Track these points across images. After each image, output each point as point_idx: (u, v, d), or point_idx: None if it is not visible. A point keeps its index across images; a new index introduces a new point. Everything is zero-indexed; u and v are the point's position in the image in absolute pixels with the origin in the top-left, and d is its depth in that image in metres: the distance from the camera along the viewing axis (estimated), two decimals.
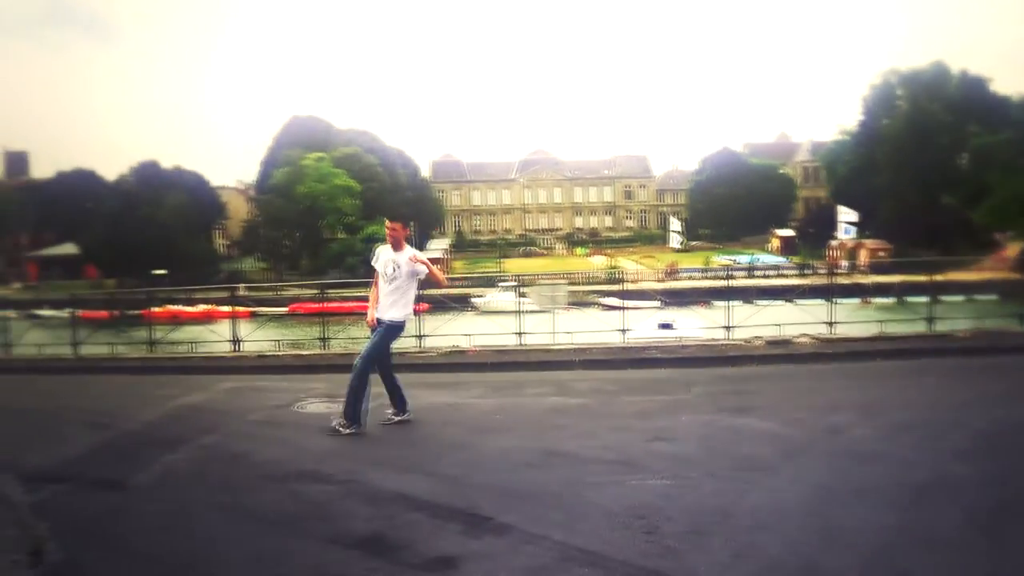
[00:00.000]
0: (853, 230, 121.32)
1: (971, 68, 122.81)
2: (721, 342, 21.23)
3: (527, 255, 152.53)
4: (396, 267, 12.70)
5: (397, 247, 12.88)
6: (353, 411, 12.48)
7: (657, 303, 51.30)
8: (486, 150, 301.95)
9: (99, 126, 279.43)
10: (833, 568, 6.94)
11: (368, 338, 12.89)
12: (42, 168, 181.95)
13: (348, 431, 12.41)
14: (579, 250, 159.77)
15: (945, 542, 7.43)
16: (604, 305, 54.77)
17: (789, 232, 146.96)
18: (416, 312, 21.76)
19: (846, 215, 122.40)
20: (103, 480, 10.53)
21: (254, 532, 8.40)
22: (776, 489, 9.06)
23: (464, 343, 22.27)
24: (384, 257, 12.92)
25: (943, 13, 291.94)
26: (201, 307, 74.28)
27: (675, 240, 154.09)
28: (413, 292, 13.06)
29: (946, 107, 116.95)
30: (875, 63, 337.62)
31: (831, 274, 49.94)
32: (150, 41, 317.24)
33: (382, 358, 12.99)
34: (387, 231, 13.03)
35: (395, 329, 12.93)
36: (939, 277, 30.16)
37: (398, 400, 13.18)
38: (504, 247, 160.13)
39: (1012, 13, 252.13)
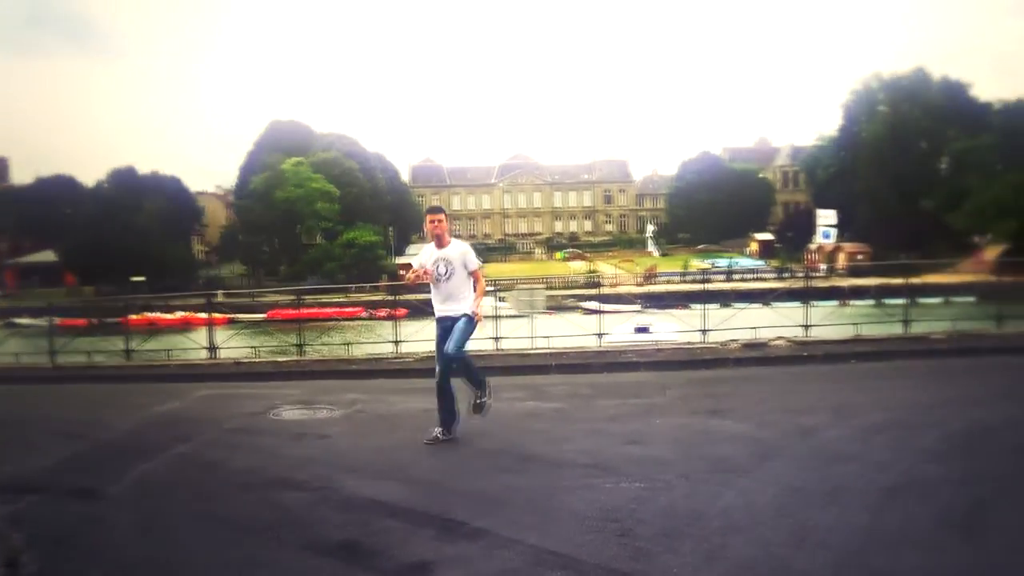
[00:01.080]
0: (832, 233, 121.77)
1: (952, 74, 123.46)
2: (697, 345, 21.31)
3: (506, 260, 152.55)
4: (448, 264, 12.06)
5: (441, 243, 12.15)
6: (482, 384, 12.53)
7: (637, 307, 51.39)
8: (466, 155, 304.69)
9: (78, 131, 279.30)
10: (805, 569, 6.96)
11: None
12: (22, 174, 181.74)
13: (485, 400, 12.48)
14: (558, 254, 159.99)
15: (918, 543, 7.47)
16: (585, 309, 54.84)
17: (768, 236, 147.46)
18: (395, 317, 21.73)
19: (825, 218, 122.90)
20: (78, 489, 10.49)
21: (229, 540, 8.39)
22: (749, 491, 9.09)
23: None
24: (428, 256, 12.22)
25: (925, 20, 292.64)
26: (179, 314, 74.19)
27: (652, 245, 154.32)
28: (469, 284, 12.32)
29: (926, 112, 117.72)
30: (856, 69, 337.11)
31: (808, 277, 49.99)
32: (129, 46, 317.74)
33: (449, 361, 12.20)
34: (430, 224, 12.16)
35: (473, 320, 12.20)
36: (916, 280, 30.22)
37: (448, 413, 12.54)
38: (483, 252, 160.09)
39: (993, 20, 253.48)
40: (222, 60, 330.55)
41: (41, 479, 11.15)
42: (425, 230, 12.39)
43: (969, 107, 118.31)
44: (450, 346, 11.84)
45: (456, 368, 12.14)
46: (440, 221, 12.07)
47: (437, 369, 12.20)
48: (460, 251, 12.19)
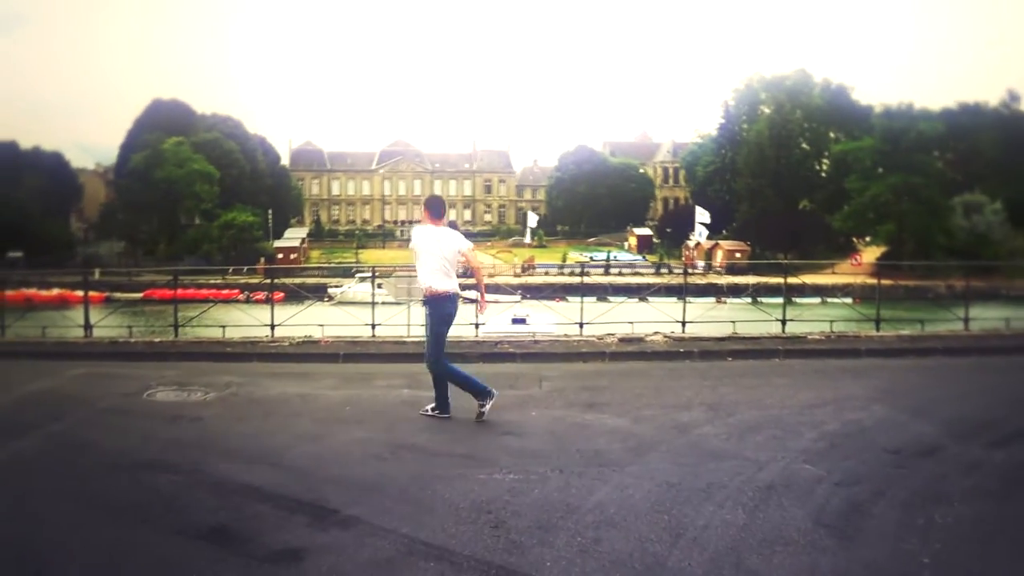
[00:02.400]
0: (705, 232, 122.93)
1: (834, 77, 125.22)
2: (574, 338, 21.28)
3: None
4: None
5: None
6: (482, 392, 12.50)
7: (517, 297, 51.45)
8: (347, 140, 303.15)
9: None
10: (679, 566, 6.98)
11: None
12: None
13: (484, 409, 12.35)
14: None
15: (792, 542, 7.52)
16: (465, 298, 54.77)
17: (646, 231, 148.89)
18: (272, 300, 21.55)
19: (701, 216, 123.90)
20: None
21: (100, 521, 8.28)
22: (624, 486, 9.12)
23: (317, 333, 22.09)
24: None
25: (808, 21, 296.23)
26: (55, 291, 73.11)
27: (529, 236, 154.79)
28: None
29: (808, 113, 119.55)
30: (739, 69, 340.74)
31: (686, 273, 50.41)
32: (14, 19, 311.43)
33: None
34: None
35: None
36: (794, 279, 30.45)
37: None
38: (362, 238, 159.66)
39: (875, 22, 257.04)
40: (107, 36, 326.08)
41: None
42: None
43: (851, 110, 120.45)
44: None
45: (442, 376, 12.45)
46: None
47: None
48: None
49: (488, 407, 12.30)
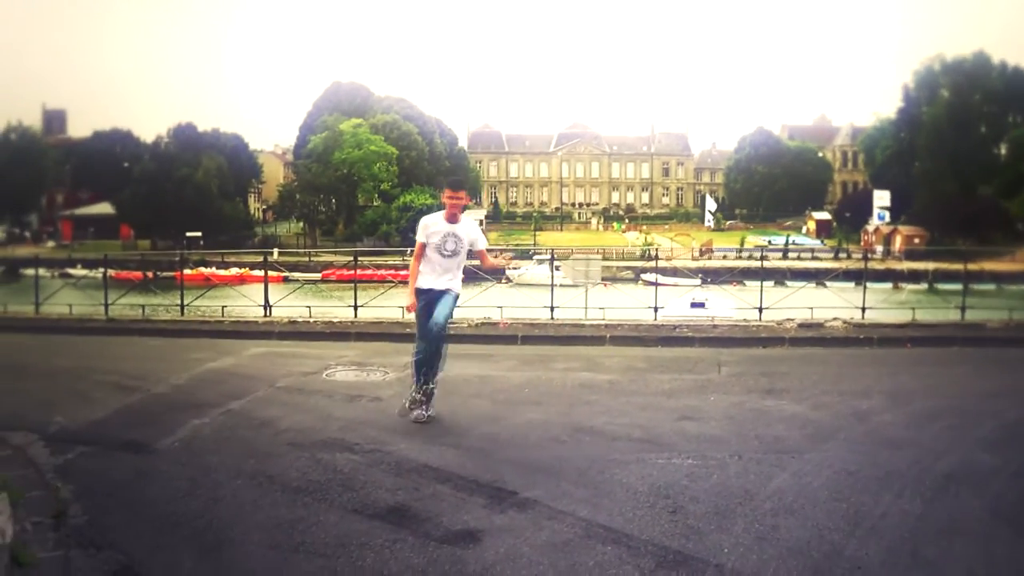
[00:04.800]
0: (887, 215, 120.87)
1: (1011, 60, 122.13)
2: (753, 323, 21.14)
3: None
4: (457, 241, 11.69)
5: (454, 220, 11.79)
6: (429, 390, 11.72)
7: (697, 281, 51.14)
8: (525, 122, 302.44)
9: (136, 86, 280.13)
10: (856, 555, 6.89)
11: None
12: (79, 127, 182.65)
13: (420, 412, 11.55)
14: (615, 225, 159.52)
15: (968, 532, 7.42)
16: (645, 281, 54.57)
17: (825, 215, 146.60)
18: None
19: (881, 200, 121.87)
20: (129, 443, 10.55)
21: (278, 499, 8.39)
22: (802, 473, 9.04)
23: (496, 315, 22.18)
24: (438, 229, 11.77)
25: (987, 3, 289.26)
26: (234, 271, 74.44)
27: (710, 219, 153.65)
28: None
29: (987, 97, 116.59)
30: (918, 50, 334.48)
31: (865, 258, 49.54)
32: (193, 2, 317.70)
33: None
34: (448, 201, 11.88)
35: (456, 298, 12.00)
36: (972, 266, 29.86)
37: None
38: (540, 220, 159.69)
39: None
40: (285, 19, 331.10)
41: (92, 431, 11.23)
42: (443, 201, 12.08)
43: None
44: (439, 316, 11.54)
45: (431, 344, 11.68)
46: (461, 199, 11.97)
47: (419, 347, 11.78)
48: (472, 230, 12.02)
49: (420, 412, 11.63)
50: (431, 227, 11.80)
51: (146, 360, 17.61)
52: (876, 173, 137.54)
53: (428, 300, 11.69)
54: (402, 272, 71.18)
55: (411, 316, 12.24)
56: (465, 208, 11.98)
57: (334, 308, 28.03)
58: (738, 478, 8.87)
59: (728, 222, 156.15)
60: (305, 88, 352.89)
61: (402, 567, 6.70)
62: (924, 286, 59.42)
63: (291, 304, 26.85)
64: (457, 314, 21.80)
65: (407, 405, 11.65)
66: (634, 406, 12.45)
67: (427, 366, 11.60)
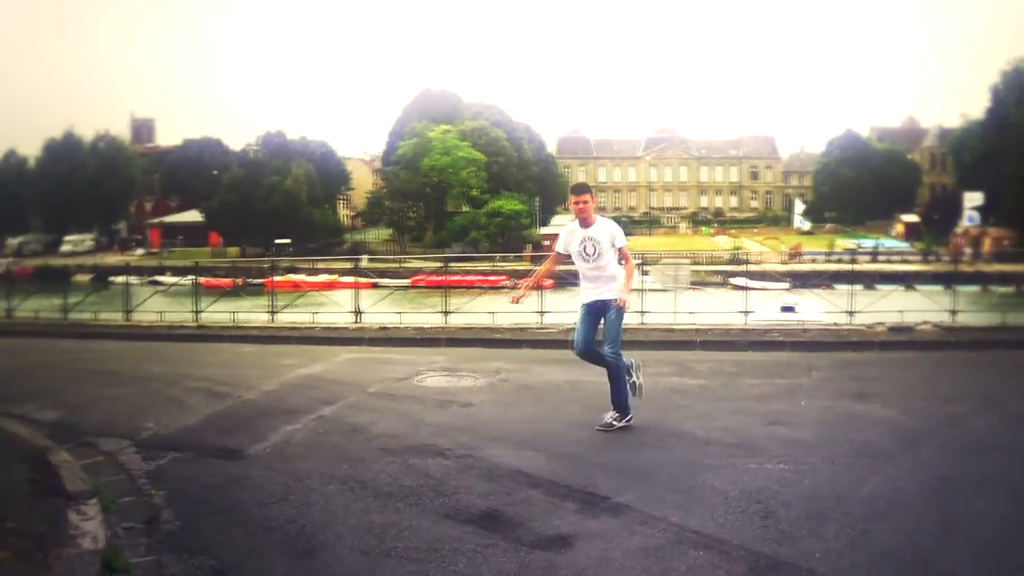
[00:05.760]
0: (977, 216, 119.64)
1: None
2: (843, 327, 21.02)
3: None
4: (596, 244, 11.42)
5: (586, 223, 11.53)
6: (625, 401, 11.54)
7: (785, 285, 50.96)
8: (612, 127, 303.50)
9: (226, 95, 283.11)
10: (950, 560, 6.84)
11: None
12: (168, 136, 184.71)
13: (625, 422, 11.44)
14: (704, 229, 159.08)
15: None
16: (734, 285, 54.45)
17: (914, 218, 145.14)
18: (541, 288, 21.71)
19: (973, 201, 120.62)
20: (221, 449, 10.67)
21: (370, 505, 8.42)
22: (894, 478, 8.96)
23: None
24: (574, 236, 11.62)
25: None
26: (323, 277, 74.77)
27: (800, 222, 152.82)
28: (616, 263, 11.64)
29: None
30: (1009, 50, 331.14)
31: (955, 261, 49.09)
32: (280, 11, 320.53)
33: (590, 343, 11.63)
34: (575, 205, 11.55)
35: (621, 312, 11.49)
36: None
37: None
38: (628, 224, 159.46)
39: None
40: (375, 26, 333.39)
41: (184, 437, 11.38)
42: (570, 208, 11.88)
43: None
44: (606, 350, 11.34)
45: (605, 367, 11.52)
46: (587, 203, 11.52)
47: (578, 349, 11.62)
48: (608, 230, 11.62)
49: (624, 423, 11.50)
50: (565, 236, 11.79)
51: (237, 366, 17.81)
52: (964, 175, 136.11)
53: (588, 311, 11.65)
54: (491, 278, 71.65)
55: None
56: (573, 211, 11.83)
57: (424, 314, 28.17)
58: (829, 483, 8.82)
59: (827, 225, 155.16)
60: (394, 95, 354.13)
61: (494, 572, 6.71)
62: (1013, 289, 58.87)
63: (381, 310, 27.06)
64: (549, 319, 21.91)
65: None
66: (725, 410, 12.40)
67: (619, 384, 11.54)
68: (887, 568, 6.69)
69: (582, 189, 11.86)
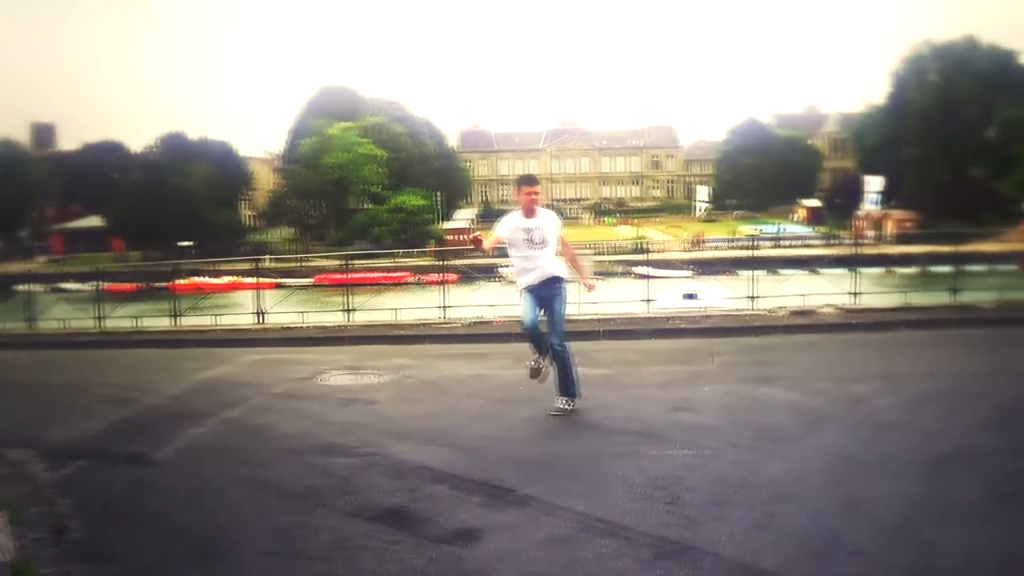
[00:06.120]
0: (879, 200, 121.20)
1: (1000, 42, 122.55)
2: (745, 312, 21.24)
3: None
4: (543, 233, 11.71)
5: (531, 213, 11.81)
6: (572, 385, 11.86)
7: (688, 272, 51.19)
8: (514, 120, 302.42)
9: (125, 98, 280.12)
10: (855, 539, 6.93)
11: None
12: (68, 140, 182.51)
13: (573, 406, 11.77)
14: (607, 220, 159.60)
15: (968, 514, 7.45)
16: (637, 274, 54.65)
17: (815, 203, 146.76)
18: (443, 283, 21.72)
19: (872, 185, 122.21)
20: (127, 455, 10.58)
21: (277, 506, 8.44)
22: (798, 459, 9.12)
23: (488, 314, 22.22)
24: (517, 226, 11.86)
25: None
26: (226, 279, 74.23)
27: (701, 210, 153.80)
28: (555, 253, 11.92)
29: (976, 80, 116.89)
30: (907, 36, 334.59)
31: (856, 244, 49.63)
32: (177, 10, 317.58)
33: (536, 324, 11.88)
34: (527, 196, 11.88)
35: (563, 299, 11.90)
36: (964, 248, 29.95)
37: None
38: None
39: None
40: (271, 25, 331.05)
41: (89, 444, 11.26)
42: (518, 200, 12.18)
43: (1018, 75, 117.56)
44: (554, 341, 11.68)
45: (554, 358, 11.82)
46: (537, 193, 11.89)
47: (527, 325, 11.81)
48: (553, 220, 12.03)
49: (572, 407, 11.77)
50: (507, 224, 11.99)
51: (141, 371, 17.61)
52: (865, 159, 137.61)
53: (537, 297, 11.80)
54: (394, 274, 71.49)
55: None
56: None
57: (327, 313, 28.07)
58: (734, 467, 8.94)
59: (731, 213, 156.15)
60: (293, 93, 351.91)
61: (401, 568, 6.75)
62: (916, 269, 59.56)
63: (284, 310, 26.92)
64: (452, 313, 21.97)
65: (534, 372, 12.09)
66: (628, 399, 12.50)
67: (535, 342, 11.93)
68: (793, 549, 6.78)
69: (533, 180, 12.20)
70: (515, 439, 10.69)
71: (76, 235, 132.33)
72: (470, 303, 23.62)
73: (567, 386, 11.76)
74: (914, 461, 8.87)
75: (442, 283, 25.30)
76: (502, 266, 64.22)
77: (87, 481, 9.65)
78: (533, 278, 11.74)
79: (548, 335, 11.74)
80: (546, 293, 11.73)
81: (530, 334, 11.81)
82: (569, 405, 11.69)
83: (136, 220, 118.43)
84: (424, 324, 21.56)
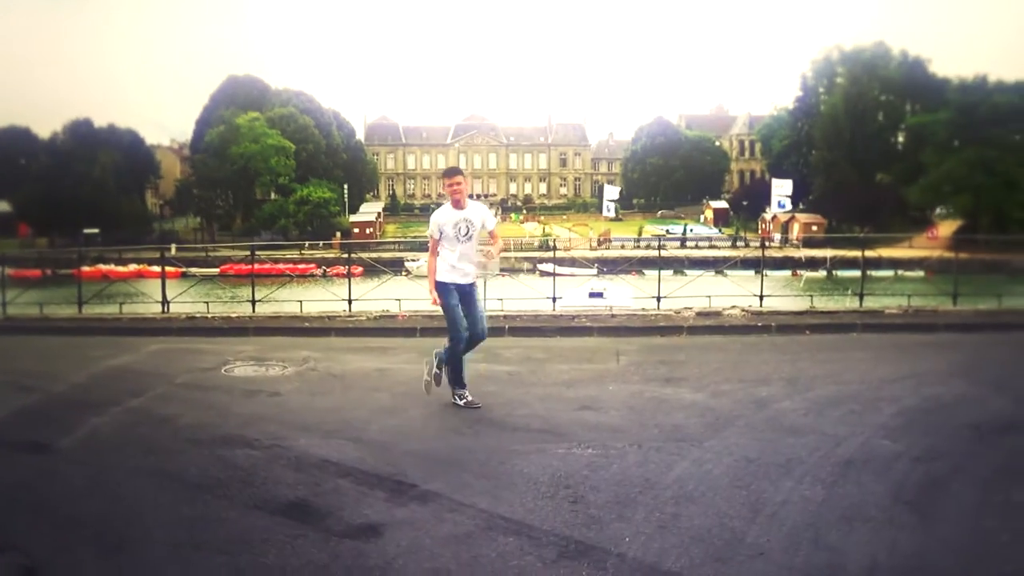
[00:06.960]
0: (787, 203, 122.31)
1: (911, 50, 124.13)
2: (651, 312, 21.26)
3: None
4: (470, 225, 11.76)
5: (459, 205, 11.82)
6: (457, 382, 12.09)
7: (594, 271, 51.31)
8: (422, 114, 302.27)
9: (32, 82, 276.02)
10: (758, 541, 6.97)
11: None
12: None
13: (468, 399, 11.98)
14: (513, 216, 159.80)
15: (870, 518, 7.49)
16: (542, 272, 54.73)
17: (722, 204, 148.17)
18: (350, 275, 21.63)
19: (780, 188, 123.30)
20: (28, 443, 10.46)
21: (179, 497, 8.36)
22: (702, 461, 9.12)
23: (394, 308, 22.15)
24: (449, 219, 11.80)
25: None
26: (132, 267, 73.66)
27: (609, 209, 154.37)
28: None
29: (885, 86, 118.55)
30: (816, 41, 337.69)
31: (763, 247, 50.09)
32: None
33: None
34: (450, 187, 11.87)
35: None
36: (870, 253, 30.24)
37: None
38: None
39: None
40: (180, 12, 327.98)
41: None
42: (444, 192, 12.18)
43: (927, 82, 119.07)
44: (484, 327, 11.96)
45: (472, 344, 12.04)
46: (461, 184, 11.87)
47: (485, 333, 12.14)
48: (481, 212, 12.13)
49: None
50: (442, 219, 11.87)
51: (44, 359, 17.35)
52: (773, 162, 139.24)
53: (462, 294, 11.86)
54: (300, 266, 71.12)
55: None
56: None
57: (232, 303, 27.89)
58: (638, 467, 8.95)
59: (658, 211, 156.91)
60: (201, 82, 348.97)
61: (304, 562, 6.73)
62: (822, 273, 60.15)
63: (189, 299, 26.68)
64: (357, 307, 21.93)
65: (433, 381, 12.06)
66: (534, 396, 12.52)
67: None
68: (697, 550, 6.80)
69: (455, 172, 12.17)
70: (420, 434, 10.72)
71: None
72: (376, 296, 23.55)
73: (461, 377, 12.02)
74: (818, 464, 8.92)
75: (348, 276, 25.23)
76: (408, 260, 64.28)
77: None
78: (459, 276, 11.83)
79: (472, 328, 11.85)
80: (468, 289, 11.88)
81: (467, 343, 11.92)
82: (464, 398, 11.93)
83: (43, 206, 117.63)
84: (330, 317, 21.42)
